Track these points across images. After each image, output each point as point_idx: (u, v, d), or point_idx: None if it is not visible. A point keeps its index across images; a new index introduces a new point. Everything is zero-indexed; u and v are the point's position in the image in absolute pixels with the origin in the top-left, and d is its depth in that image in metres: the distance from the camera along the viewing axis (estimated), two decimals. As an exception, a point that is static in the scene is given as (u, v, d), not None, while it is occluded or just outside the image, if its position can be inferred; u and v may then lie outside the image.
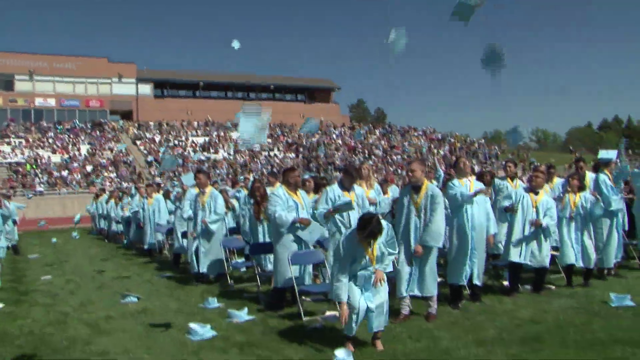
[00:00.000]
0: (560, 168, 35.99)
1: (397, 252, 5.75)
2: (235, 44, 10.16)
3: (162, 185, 23.60)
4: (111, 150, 45.93)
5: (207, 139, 51.53)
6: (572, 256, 8.31)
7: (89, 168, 41.69)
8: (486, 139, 79.06)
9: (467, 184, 7.36)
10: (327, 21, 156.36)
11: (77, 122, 51.58)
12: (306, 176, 10.62)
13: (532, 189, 8.00)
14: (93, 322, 7.13)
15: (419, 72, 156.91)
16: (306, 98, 66.08)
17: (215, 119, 56.48)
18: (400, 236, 6.59)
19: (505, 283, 8.45)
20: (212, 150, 48.85)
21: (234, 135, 11.45)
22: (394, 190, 9.87)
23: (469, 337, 5.78)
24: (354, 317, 5.30)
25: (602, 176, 9.24)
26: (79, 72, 53.59)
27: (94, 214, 23.26)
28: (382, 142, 56.48)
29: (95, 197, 23.45)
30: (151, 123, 53.77)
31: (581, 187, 8.53)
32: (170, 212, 13.87)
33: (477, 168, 37.92)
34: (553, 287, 8.23)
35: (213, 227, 9.61)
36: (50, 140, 45.97)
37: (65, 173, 40.00)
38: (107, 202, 20.38)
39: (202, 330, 6.24)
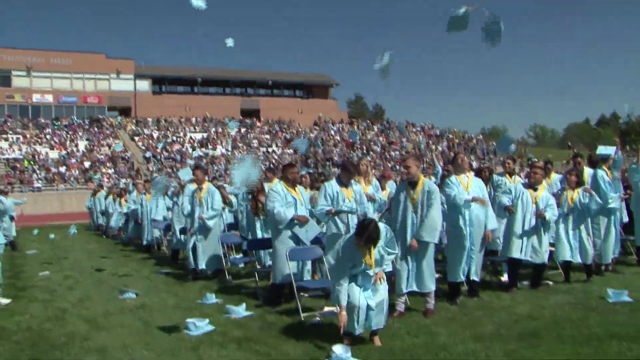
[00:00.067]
0: (558, 164, 36.03)
1: (396, 251, 5.76)
2: (230, 42, 10.16)
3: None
4: (109, 146, 45.87)
5: (205, 135, 51.49)
6: (567, 253, 8.31)
7: (87, 164, 41.63)
8: (484, 135, 79.13)
9: (465, 180, 7.36)
10: (325, 17, 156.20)
11: (75, 118, 51.46)
12: (303, 172, 10.61)
13: (531, 185, 8.01)
14: (91, 318, 7.14)
15: (418, 70, 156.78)
16: (304, 94, 66.02)
17: (213, 115, 56.44)
18: (396, 232, 6.60)
19: (503, 279, 8.47)
20: (210, 147, 48.81)
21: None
22: (391, 186, 9.86)
23: (466, 332, 5.80)
24: (355, 316, 5.32)
25: (600, 172, 9.25)
26: (76, 68, 53.42)
27: (92, 210, 23.24)
28: (381, 138, 56.47)
29: (93, 193, 23.41)
30: (149, 119, 53.69)
31: (579, 183, 8.52)
32: (168, 209, 13.86)
33: (475, 164, 37.95)
34: (551, 283, 8.25)
35: (210, 223, 9.61)
36: (48, 137, 45.88)
37: (63, 169, 39.95)
38: (105, 198, 20.36)
39: (200, 326, 6.25)
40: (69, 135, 46.85)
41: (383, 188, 9.39)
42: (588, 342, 5.26)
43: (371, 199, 8.31)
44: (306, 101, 64.54)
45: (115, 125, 51.25)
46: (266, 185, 9.73)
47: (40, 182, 37.71)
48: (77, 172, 39.97)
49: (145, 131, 50.96)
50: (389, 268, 5.97)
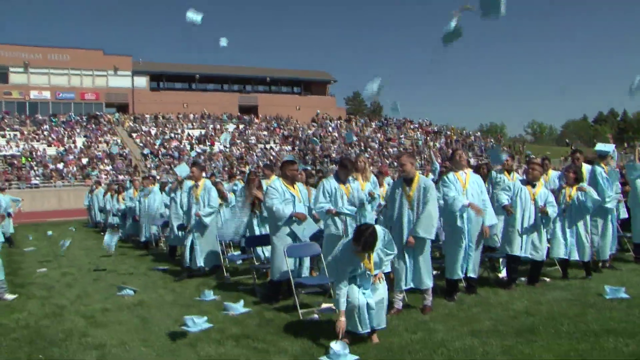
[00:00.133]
0: (555, 161, 36.14)
1: (395, 252, 5.78)
2: (223, 42, 10.17)
3: (159, 178, 23.56)
4: (107, 143, 45.82)
5: (203, 131, 51.45)
6: (562, 250, 8.32)
7: (84, 161, 41.57)
8: (482, 132, 79.25)
9: (463, 177, 7.37)
10: (323, 13, 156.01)
11: (73, 114, 51.37)
12: (299, 168, 10.61)
13: (529, 181, 8.01)
14: (89, 314, 7.14)
15: (417, 67, 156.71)
16: (302, 90, 65.98)
17: (211, 111, 56.41)
18: (393, 229, 6.61)
19: (501, 275, 8.48)
20: (208, 143, 48.77)
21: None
22: (388, 183, 9.87)
23: (464, 328, 5.82)
24: (356, 316, 5.33)
25: (598, 168, 9.26)
26: (74, 64, 53.34)
27: (90, 207, 23.20)
28: (379, 135, 56.48)
29: (91, 190, 23.37)
30: (147, 116, 53.64)
31: (577, 180, 8.50)
32: (166, 206, 13.85)
33: (472, 161, 37.97)
34: (548, 279, 8.27)
35: (207, 220, 9.59)
36: (46, 133, 45.79)
37: (60, 166, 39.89)
38: (104, 195, 20.33)
39: (198, 323, 6.26)
40: (66, 132, 46.76)
41: (381, 184, 9.40)
42: (585, 338, 5.28)
43: (371, 196, 8.31)
44: (304, 98, 64.51)
45: (113, 122, 51.18)
46: (264, 182, 9.73)
47: (37, 178, 37.67)
48: (74, 168, 39.92)
49: (143, 128, 50.92)
50: (388, 269, 5.98)
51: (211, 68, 59.91)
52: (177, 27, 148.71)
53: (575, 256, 8.27)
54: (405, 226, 6.61)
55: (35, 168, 38.95)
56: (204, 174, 10.59)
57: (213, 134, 51.28)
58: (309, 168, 25.71)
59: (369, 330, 5.37)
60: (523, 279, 8.07)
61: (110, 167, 40.95)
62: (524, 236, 7.82)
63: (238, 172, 18.72)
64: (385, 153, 50.25)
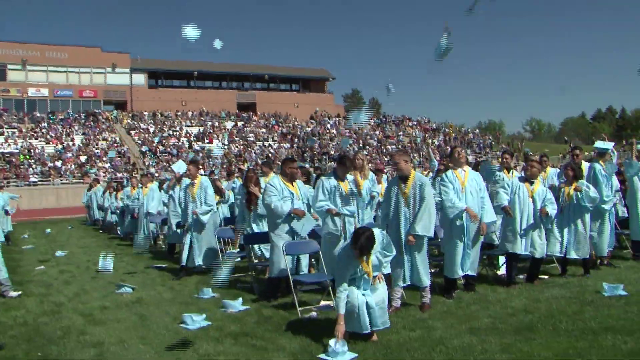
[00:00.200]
0: (554, 158, 36.19)
1: (394, 254, 5.78)
2: (217, 44, 10.17)
3: (157, 175, 23.54)
4: (105, 140, 45.76)
5: (201, 129, 51.40)
6: (557, 247, 8.32)
7: (82, 158, 41.52)
8: (481, 129, 79.22)
9: (462, 174, 7.37)
10: (321, 10, 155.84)
11: (71, 112, 51.28)
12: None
13: (527, 178, 8.01)
14: (88, 312, 7.13)
15: (415, 64, 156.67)
16: (300, 88, 65.94)
17: (209, 109, 56.33)
18: (390, 227, 6.61)
19: (500, 273, 8.48)
20: (206, 141, 48.73)
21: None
22: (386, 180, 9.88)
23: (462, 326, 5.82)
24: (357, 316, 5.32)
25: (597, 166, 9.26)
26: (72, 62, 53.23)
27: (89, 205, 23.19)
28: (377, 132, 56.47)
29: (89, 187, 23.35)
30: (145, 113, 53.56)
31: (576, 177, 8.47)
32: (164, 204, 13.83)
33: (471, 158, 38.00)
34: (546, 276, 8.27)
35: (204, 218, 9.54)
36: (44, 131, 45.73)
37: (59, 163, 39.83)
38: (103, 193, 20.32)
39: (197, 320, 6.26)
40: (64, 130, 46.70)
41: (378, 182, 9.40)
42: (583, 336, 5.28)
43: (371, 197, 8.31)
44: (302, 95, 64.48)
45: (111, 120, 51.11)
46: (262, 180, 9.72)
47: (36, 176, 37.61)
48: (73, 166, 39.86)
49: (141, 125, 50.84)
50: (388, 270, 5.98)
51: (209, 65, 59.85)
52: (176, 24, 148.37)
53: (572, 254, 8.27)
54: (402, 224, 6.60)
55: (34, 166, 38.90)
56: (202, 172, 10.56)
57: (211, 131, 51.25)
58: (306, 166, 25.69)
59: (368, 330, 5.36)
60: (522, 276, 8.08)
61: (109, 164, 40.90)
62: (524, 233, 7.81)
63: (236, 170, 18.68)
64: (384, 150, 50.24)
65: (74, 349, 5.60)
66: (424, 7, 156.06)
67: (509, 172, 9.34)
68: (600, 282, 7.29)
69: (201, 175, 10.28)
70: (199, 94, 58.40)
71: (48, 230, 19.98)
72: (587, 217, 8.37)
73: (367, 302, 5.35)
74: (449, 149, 9.14)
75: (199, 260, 9.54)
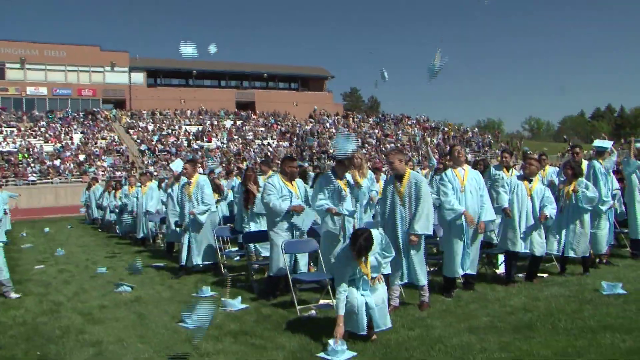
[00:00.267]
0: (553, 157, 36.21)
1: (393, 254, 5.78)
2: (212, 49, 10.18)
3: (156, 174, 23.52)
4: (104, 139, 45.72)
5: (200, 127, 51.38)
6: (554, 246, 8.32)
7: (81, 157, 41.48)
8: (480, 128, 79.26)
9: (462, 173, 7.36)
10: (321, 9, 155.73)
11: (70, 111, 51.24)
12: None
13: (526, 176, 8.01)
14: (87, 311, 7.13)
15: (414, 62, 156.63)
16: (299, 86, 65.93)
17: (208, 107, 56.31)
18: (386, 226, 6.61)
19: (499, 271, 8.48)
20: (205, 139, 48.71)
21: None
22: (384, 179, 9.87)
23: (461, 325, 5.81)
24: (356, 316, 5.32)
25: (597, 164, 9.26)
26: (70, 61, 53.21)
27: (88, 204, 23.18)
28: (376, 131, 56.47)
29: (88, 186, 23.32)
30: (144, 112, 53.55)
31: (576, 175, 8.44)
32: (163, 203, 13.83)
33: (470, 157, 38.01)
34: (545, 275, 8.27)
35: (202, 218, 9.49)
36: (43, 130, 45.69)
37: (57, 162, 39.80)
38: (102, 193, 20.29)
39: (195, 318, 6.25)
40: (63, 128, 46.68)
41: (377, 181, 9.40)
42: (582, 334, 5.28)
43: (371, 199, 8.32)
44: (301, 94, 64.48)
45: (110, 118, 51.07)
46: (260, 178, 9.71)
47: (34, 175, 37.60)
48: (71, 165, 39.83)
49: (140, 124, 50.82)
50: (387, 270, 5.98)
51: (208, 64, 59.87)
52: (175, 23, 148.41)
53: (571, 253, 8.26)
54: (398, 222, 6.58)
55: (32, 165, 38.87)
56: (200, 170, 10.54)
57: (210, 129, 51.22)
58: (305, 164, 25.70)
59: (365, 332, 5.34)
60: (521, 275, 8.08)
61: (108, 163, 40.86)
62: (523, 232, 7.81)
63: (235, 168, 18.67)
64: (383, 149, 50.24)
65: (73, 348, 5.60)
66: (424, 7, 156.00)
67: (508, 171, 9.35)
68: (599, 280, 7.29)
69: (200, 174, 10.24)
70: (197, 93, 58.39)
71: (47, 229, 19.97)
72: (587, 216, 8.36)
73: (366, 303, 5.34)
74: (449, 148, 9.13)
75: (197, 260, 9.51)
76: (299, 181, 7.86)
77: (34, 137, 43.90)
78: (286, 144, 51.23)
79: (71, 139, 44.75)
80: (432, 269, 8.05)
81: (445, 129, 59.05)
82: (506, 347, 5.06)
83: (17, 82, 51.43)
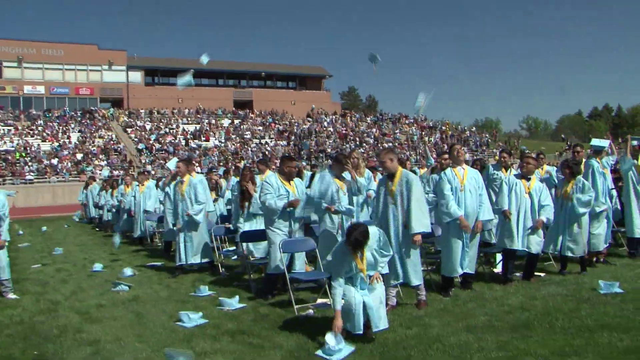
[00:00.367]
0: (550, 156, 36.25)
1: (391, 253, 5.77)
2: (204, 59, 10.19)
3: (154, 173, 23.49)
4: (102, 138, 45.64)
5: (198, 126, 51.32)
6: (551, 246, 8.34)
7: (79, 156, 41.41)
8: (477, 127, 79.31)
9: (461, 172, 7.36)
10: (318, 8, 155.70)
11: (67, 110, 51.14)
12: None
13: (524, 175, 8.02)
14: (84, 310, 7.12)
15: (412, 61, 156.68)
16: (297, 85, 65.87)
17: (206, 106, 56.24)
18: (379, 225, 6.60)
19: (496, 270, 8.49)
20: (203, 138, 48.66)
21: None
22: (380, 177, 9.87)
23: (459, 324, 5.82)
24: (353, 315, 5.31)
25: (595, 163, 9.26)
26: (68, 59, 53.07)
27: (85, 203, 23.15)
28: (374, 130, 56.47)
29: (85, 186, 23.29)
30: (142, 111, 53.44)
31: (574, 174, 8.43)
32: (161, 202, 13.82)
33: (468, 156, 38.02)
34: (543, 274, 8.28)
35: (198, 217, 9.48)
36: (40, 128, 45.59)
37: (55, 161, 39.72)
38: (100, 191, 20.27)
39: (194, 318, 6.25)
40: (61, 127, 46.57)
41: (375, 179, 9.40)
42: (580, 333, 5.29)
43: (369, 196, 8.31)
44: (299, 93, 64.43)
45: (107, 117, 50.98)
46: (258, 178, 9.69)
47: (32, 174, 37.50)
48: (69, 164, 39.76)
49: (138, 123, 50.74)
50: (385, 270, 5.98)
51: (206, 63, 59.64)
52: (172, 22, 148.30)
53: (568, 253, 8.27)
54: (390, 221, 6.54)
55: (30, 163, 38.78)
56: (199, 169, 10.51)
57: (208, 128, 51.17)
58: (303, 164, 25.69)
59: (361, 332, 5.33)
60: (518, 274, 8.09)
61: (105, 162, 40.81)
62: (521, 230, 7.81)
63: (233, 167, 18.62)
64: (381, 148, 50.23)
65: (70, 347, 5.59)
66: (423, 7, 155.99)
67: (506, 171, 9.35)
68: (597, 279, 7.31)
69: (197, 173, 10.20)
70: (195, 92, 58.12)
71: (44, 228, 19.95)
72: (585, 216, 8.37)
73: (364, 302, 5.33)
74: (448, 147, 9.13)
75: (193, 259, 9.49)
76: (297, 180, 7.85)
77: (32, 136, 43.80)
78: (284, 142, 51.20)
79: (69, 137, 44.65)
80: (430, 268, 8.05)
81: (443, 128, 59.07)
82: (504, 346, 5.06)
83: (14, 81, 51.28)
